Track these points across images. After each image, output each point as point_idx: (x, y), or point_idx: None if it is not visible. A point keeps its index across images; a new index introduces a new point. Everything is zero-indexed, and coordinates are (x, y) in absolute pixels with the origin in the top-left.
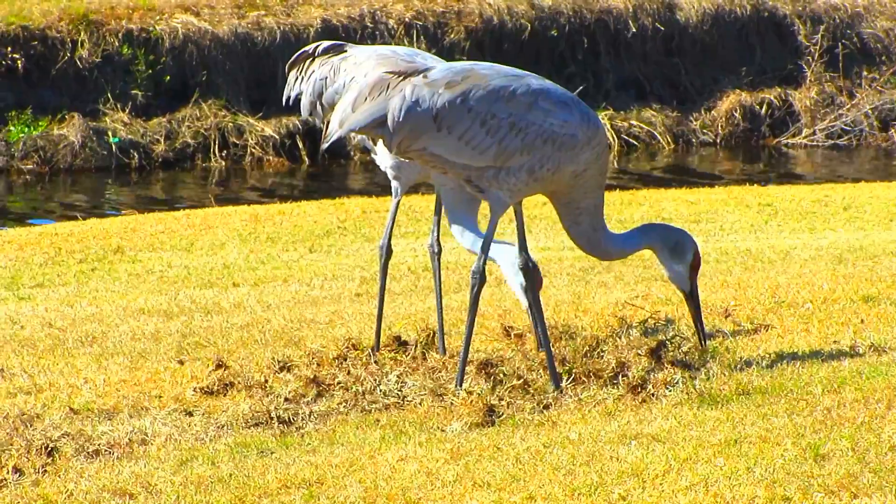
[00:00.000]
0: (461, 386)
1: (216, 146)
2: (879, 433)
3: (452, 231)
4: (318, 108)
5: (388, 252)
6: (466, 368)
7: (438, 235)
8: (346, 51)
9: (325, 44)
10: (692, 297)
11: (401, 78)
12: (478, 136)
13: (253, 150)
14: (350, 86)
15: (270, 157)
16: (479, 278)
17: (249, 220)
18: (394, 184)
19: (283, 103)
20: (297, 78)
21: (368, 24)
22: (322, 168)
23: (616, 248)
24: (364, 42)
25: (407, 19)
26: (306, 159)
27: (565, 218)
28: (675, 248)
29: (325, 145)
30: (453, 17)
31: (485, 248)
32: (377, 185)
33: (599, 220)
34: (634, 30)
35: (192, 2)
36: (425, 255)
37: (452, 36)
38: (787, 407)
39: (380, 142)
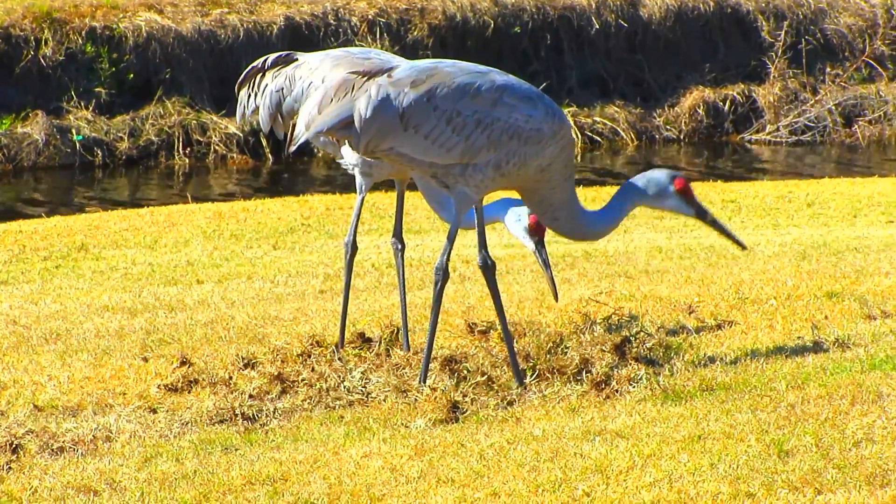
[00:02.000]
0: (425, 382)
1: (180, 143)
2: (843, 429)
3: (442, 216)
4: (279, 119)
5: (353, 248)
6: (430, 365)
7: (401, 231)
8: (296, 59)
9: (273, 56)
10: (703, 217)
11: (365, 78)
12: (444, 134)
13: (217, 148)
14: (309, 91)
15: (234, 155)
16: (443, 274)
17: (213, 218)
18: (359, 179)
19: (238, 122)
20: (249, 94)
21: (332, 21)
22: (286, 165)
23: (603, 226)
24: (328, 39)
25: (370, 17)
26: (270, 156)
27: (544, 216)
28: (655, 189)
29: (291, 149)
30: (416, 15)
31: (450, 240)
32: (341, 183)
33: (576, 209)
34: (598, 26)
35: None
36: (389, 251)
37: (416, 33)
38: (751, 403)
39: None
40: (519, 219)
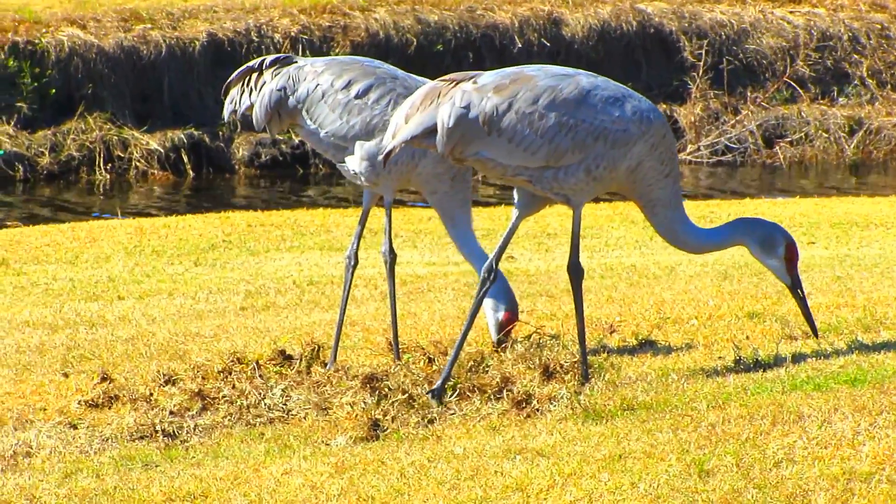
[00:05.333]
0: (587, 379)
1: (101, 159)
2: (764, 449)
3: (451, 233)
4: (277, 118)
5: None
6: (351, 383)
7: (357, 248)
8: (295, 61)
9: (271, 57)
10: (794, 289)
11: (452, 84)
12: (528, 138)
13: (138, 164)
14: (316, 93)
15: (155, 171)
16: (577, 271)
17: (135, 234)
18: (365, 192)
19: (226, 119)
20: (242, 91)
21: (254, 38)
22: (206, 182)
23: (698, 241)
24: (250, 56)
25: (293, 33)
26: (191, 173)
27: (643, 211)
28: (764, 242)
29: (380, 158)
30: (339, 32)
31: (574, 243)
32: (261, 199)
33: (676, 213)
34: (520, 45)
35: (79, 15)
36: (310, 268)
37: (338, 51)
38: (672, 422)
39: (357, 149)
40: (496, 309)
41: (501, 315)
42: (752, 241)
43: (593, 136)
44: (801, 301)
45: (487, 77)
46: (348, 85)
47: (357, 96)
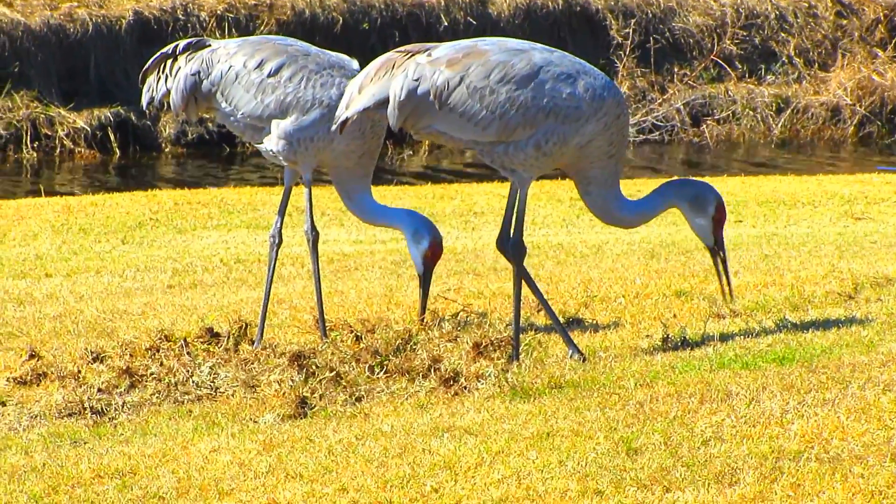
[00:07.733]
0: (518, 358)
1: (28, 137)
2: (692, 427)
3: (349, 207)
4: (194, 102)
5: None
6: (279, 361)
7: (281, 227)
8: (209, 45)
9: (184, 42)
10: (716, 252)
11: (407, 56)
12: (479, 113)
13: (64, 142)
14: (229, 75)
15: (82, 149)
16: (519, 249)
17: (62, 211)
18: (286, 170)
19: (145, 107)
20: (159, 78)
21: (180, 16)
22: (133, 160)
23: (632, 215)
24: (177, 34)
25: (219, 12)
26: (117, 151)
27: (577, 187)
28: (695, 201)
29: (333, 127)
30: (265, 10)
31: (518, 220)
32: (188, 178)
33: (611, 189)
34: (446, 24)
35: None
36: (237, 246)
37: (264, 29)
38: (600, 401)
39: (273, 128)
40: (418, 241)
41: (426, 246)
42: (683, 200)
43: (544, 112)
44: (723, 263)
45: (442, 50)
46: (261, 64)
47: (270, 75)
